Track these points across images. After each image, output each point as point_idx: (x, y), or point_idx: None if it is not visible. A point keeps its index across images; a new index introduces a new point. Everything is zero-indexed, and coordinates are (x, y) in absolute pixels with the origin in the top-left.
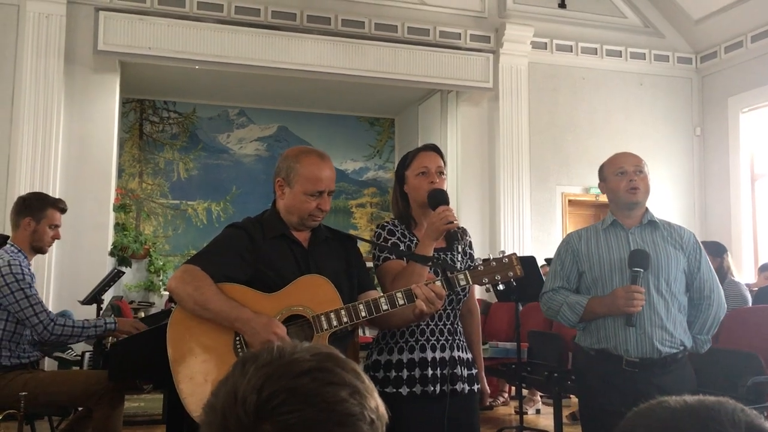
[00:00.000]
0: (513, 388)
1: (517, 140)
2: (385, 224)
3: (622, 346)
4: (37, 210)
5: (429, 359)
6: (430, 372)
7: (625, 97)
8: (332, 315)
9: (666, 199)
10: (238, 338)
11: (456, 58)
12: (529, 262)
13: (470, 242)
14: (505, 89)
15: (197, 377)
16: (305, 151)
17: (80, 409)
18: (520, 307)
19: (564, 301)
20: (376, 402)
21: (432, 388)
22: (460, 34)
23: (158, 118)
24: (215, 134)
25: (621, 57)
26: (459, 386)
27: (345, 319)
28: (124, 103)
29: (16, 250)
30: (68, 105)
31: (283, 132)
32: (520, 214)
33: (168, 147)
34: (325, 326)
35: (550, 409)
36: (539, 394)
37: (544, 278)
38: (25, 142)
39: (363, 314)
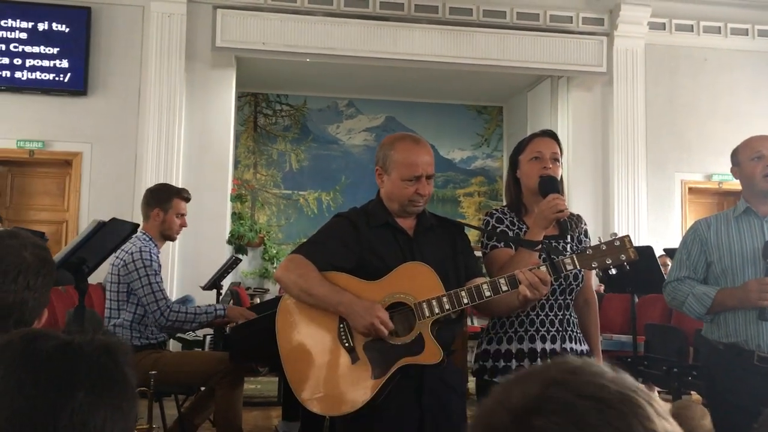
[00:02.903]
0: None
1: (633, 126)
2: (494, 212)
3: (754, 341)
4: (164, 201)
5: (539, 350)
6: (539, 363)
7: (752, 78)
8: (434, 302)
9: None
10: (342, 325)
11: (567, 43)
12: (646, 252)
13: (586, 230)
14: (620, 73)
15: (303, 362)
16: (400, 137)
17: (203, 388)
18: (636, 299)
19: (690, 291)
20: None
21: None
22: (571, 17)
23: (271, 111)
24: (325, 125)
25: (747, 35)
26: None
27: (447, 306)
28: (240, 97)
29: (147, 239)
30: (189, 100)
31: (391, 122)
32: (636, 203)
33: (281, 139)
34: (427, 313)
35: (669, 406)
36: (657, 389)
37: (662, 269)
38: (151, 136)
39: (465, 301)
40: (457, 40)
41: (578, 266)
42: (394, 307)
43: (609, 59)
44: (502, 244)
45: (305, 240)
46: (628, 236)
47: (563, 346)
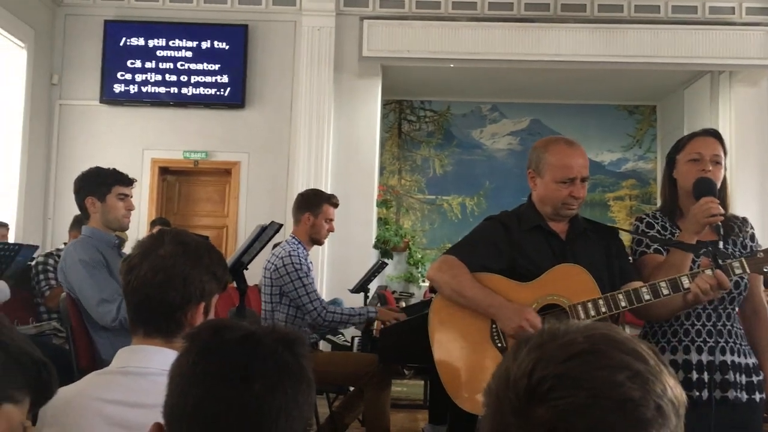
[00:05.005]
0: None
1: None
2: (643, 217)
3: None
4: (314, 206)
5: (694, 362)
6: (695, 375)
7: None
8: (590, 305)
9: None
10: (494, 326)
11: (729, 35)
12: None
13: (752, 234)
14: None
15: (456, 363)
16: (553, 140)
17: (351, 388)
18: None
19: None
20: (664, 385)
21: (698, 393)
22: (733, 8)
23: (415, 118)
24: (468, 130)
25: None
26: (731, 394)
27: (603, 309)
28: (385, 104)
29: (296, 242)
30: (337, 109)
31: (536, 125)
32: None
33: (424, 144)
34: (582, 316)
35: None
36: None
37: None
38: (302, 145)
39: (623, 304)
40: (606, 38)
41: (748, 270)
42: (547, 308)
43: None
44: (651, 249)
45: (452, 244)
46: None
47: (722, 358)
